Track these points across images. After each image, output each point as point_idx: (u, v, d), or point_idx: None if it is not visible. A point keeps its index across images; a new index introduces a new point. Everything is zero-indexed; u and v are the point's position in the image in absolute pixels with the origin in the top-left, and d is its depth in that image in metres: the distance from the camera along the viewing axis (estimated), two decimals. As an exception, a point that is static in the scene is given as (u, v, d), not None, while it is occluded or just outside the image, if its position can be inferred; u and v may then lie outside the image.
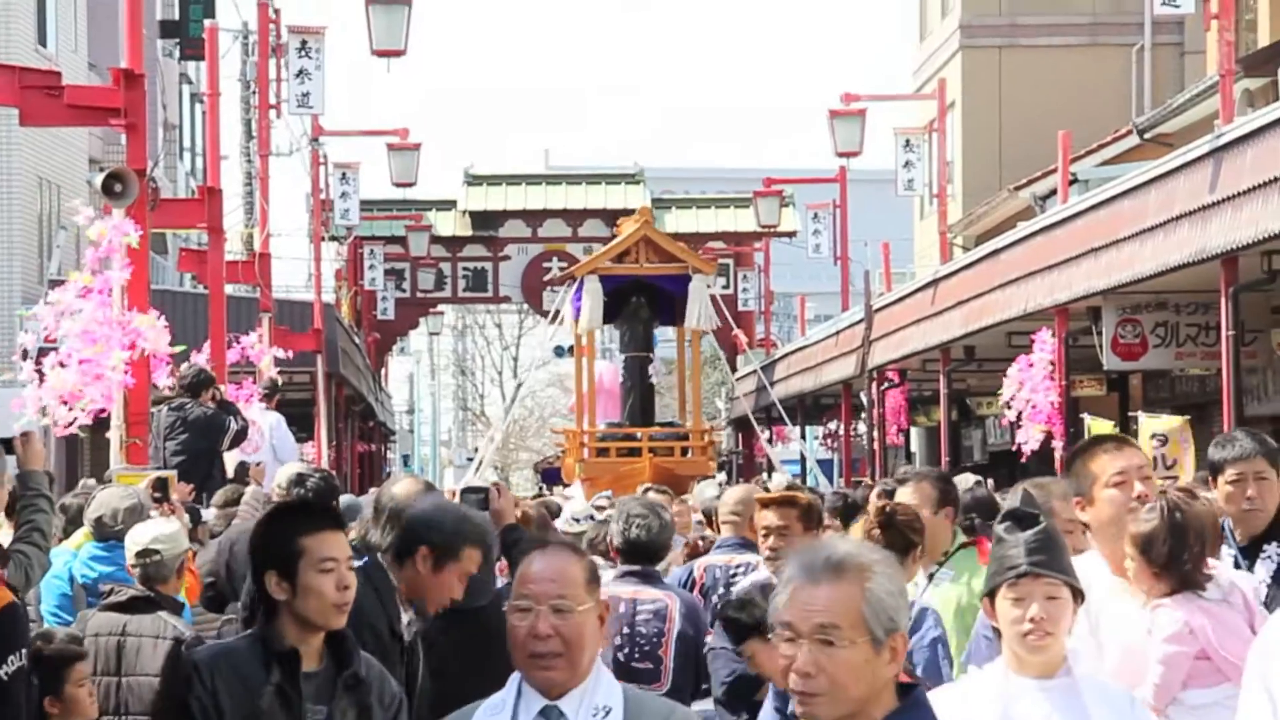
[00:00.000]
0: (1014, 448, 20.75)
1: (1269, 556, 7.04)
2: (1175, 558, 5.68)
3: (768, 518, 8.01)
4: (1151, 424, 17.72)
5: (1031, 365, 19.86)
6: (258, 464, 15.26)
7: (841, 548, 3.89)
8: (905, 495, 8.03)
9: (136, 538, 8.37)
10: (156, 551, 8.23)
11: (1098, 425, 18.29)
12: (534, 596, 4.33)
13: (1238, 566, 6.97)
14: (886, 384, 29.81)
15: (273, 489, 11.23)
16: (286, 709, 5.16)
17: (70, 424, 12.66)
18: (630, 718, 4.24)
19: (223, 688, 5.15)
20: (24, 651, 5.72)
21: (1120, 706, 4.74)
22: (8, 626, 5.74)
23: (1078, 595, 4.77)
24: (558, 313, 28.90)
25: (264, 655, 5.25)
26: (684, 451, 27.02)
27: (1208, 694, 5.64)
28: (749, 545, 9.06)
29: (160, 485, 10.20)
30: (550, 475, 31.07)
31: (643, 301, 28.01)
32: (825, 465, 34.26)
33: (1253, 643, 5.04)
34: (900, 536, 7.64)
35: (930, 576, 7.94)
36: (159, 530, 8.41)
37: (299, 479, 9.56)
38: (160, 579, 8.21)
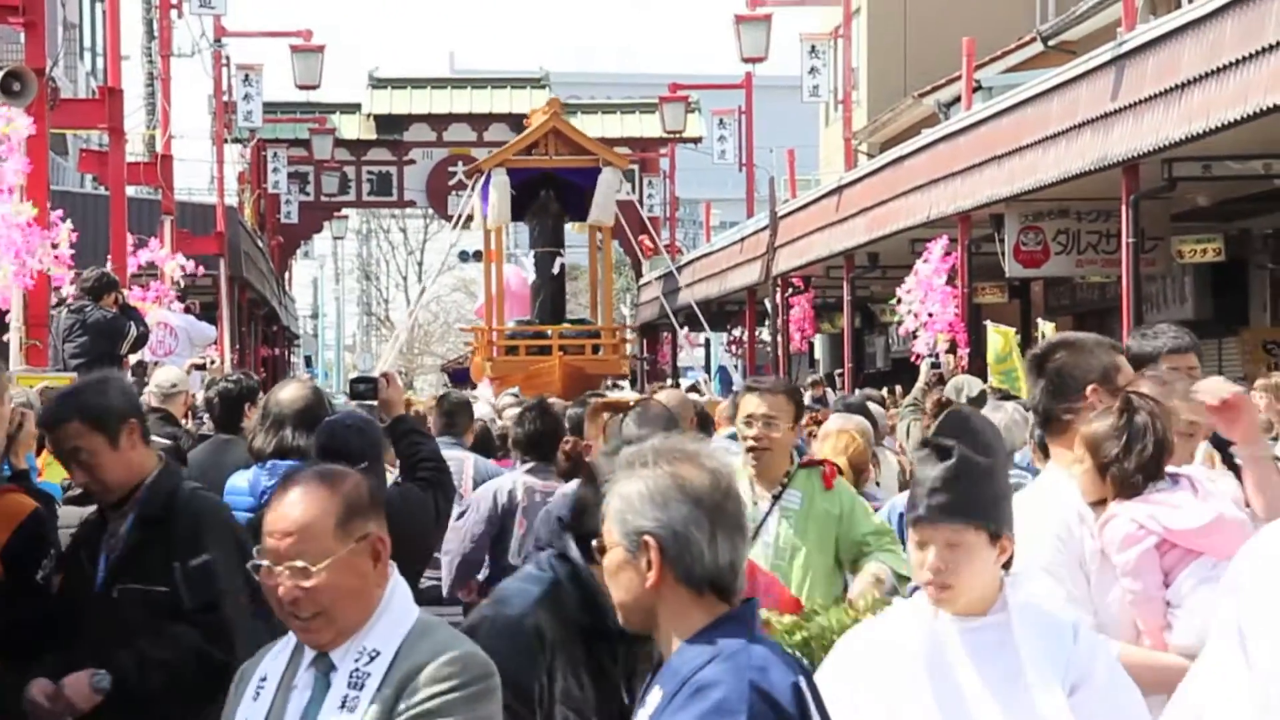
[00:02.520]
0: (913, 358, 20.91)
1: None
2: (1123, 459, 5.04)
3: (752, 403, 7.32)
4: (1053, 331, 17.89)
5: (919, 273, 20.00)
6: (156, 364, 15.20)
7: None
8: (754, 405, 7.30)
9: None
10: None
11: (999, 332, 18.45)
12: (271, 554, 3.77)
13: None
14: (791, 291, 29.91)
15: (149, 393, 11.24)
16: None
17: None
18: (399, 659, 3.73)
19: None
20: (54, 553, 5.82)
21: (1059, 638, 4.28)
22: (38, 529, 5.82)
23: (997, 535, 4.29)
24: (468, 217, 28.68)
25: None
26: (595, 350, 26.87)
27: (1191, 573, 4.96)
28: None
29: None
30: (458, 376, 30.97)
31: (551, 195, 27.61)
32: (723, 372, 34.36)
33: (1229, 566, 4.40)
34: None
35: (774, 499, 7.32)
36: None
37: (213, 384, 9.60)
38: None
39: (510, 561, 9.01)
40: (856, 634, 4.49)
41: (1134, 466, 5.01)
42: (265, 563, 3.74)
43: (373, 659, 3.73)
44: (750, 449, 7.32)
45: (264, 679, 3.87)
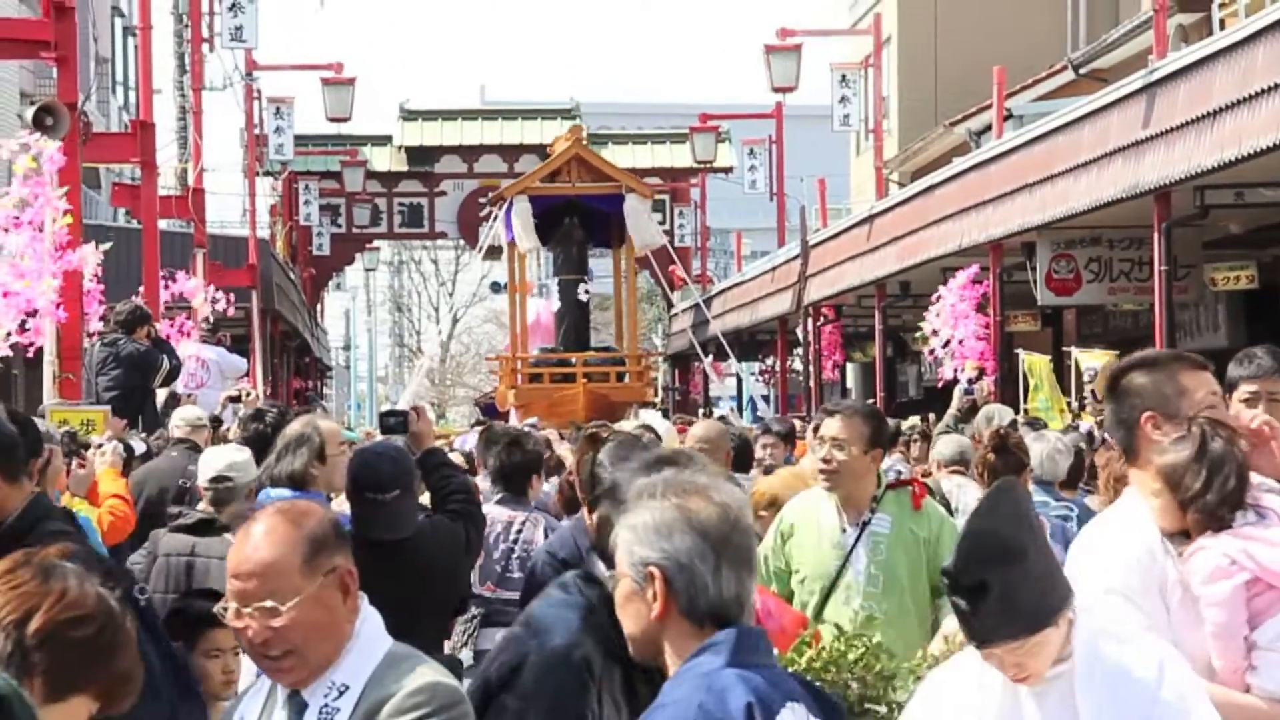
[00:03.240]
0: (938, 383, 20.86)
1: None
2: (1205, 493, 4.67)
3: (825, 426, 7.23)
4: (1086, 358, 17.85)
5: (944, 299, 19.98)
6: (189, 395, 15.27)
7: None
8: (833, 429, 7.18)
9: (211, 463, 8.45)
10: (229, 478, 8.30)
11: (1032, 360, 18.40)
12: (238, 596, 3.69)
13: None
14: (822, 320, 29.88)
15: (174, 427, 11.40)
16: None
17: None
18: (368, 691, 3.64)
19: None
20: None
21: (1137, 690, 3.98)
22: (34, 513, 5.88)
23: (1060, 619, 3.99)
24: (494, 247, 28.67)
25: None
26: (620, 377, 26.75)
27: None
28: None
29: (71, 437, 10.09)
30: (490, 410, 30.98)
31: (575, 222, 27.55)
32: (755, 403, 34.30)
33: None
34: (1013, 458, 8.87)
35: (863, 526, 7.21)
36: (232, 458, 8.48)
37: (258, 414, 9.71)
38: (229, 504, 8.27)
39: (475, 590, 9.21)
40: (944, 671, 4.31)
41: (1217, 499, 4.68)
42: (233, 605, 3.67)
43: (341, 693, 3.65)
44: (820, 471, 7.21)
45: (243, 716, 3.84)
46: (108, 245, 13.94)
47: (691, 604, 3.43)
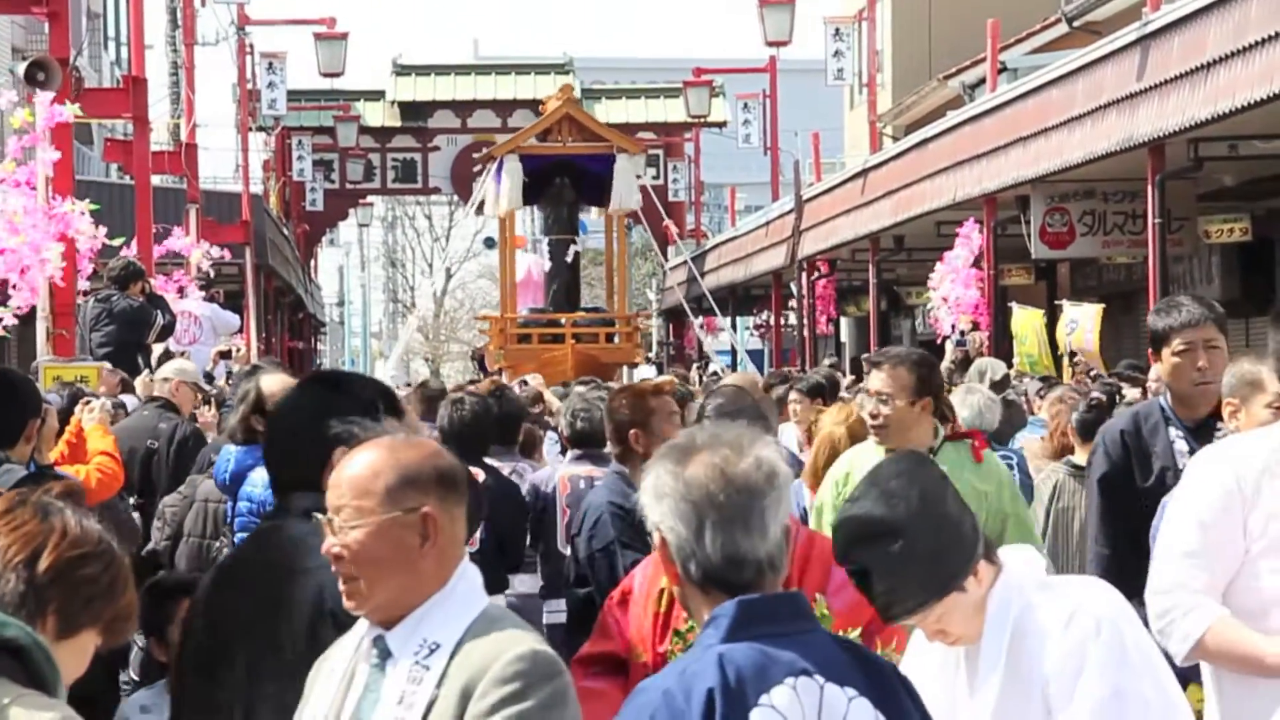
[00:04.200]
0: (938, 339, 20.88)
1: (1223, 435, 5.94)
2: None
3: (871, 380, 6.97)
4: (1071, 310, 17.86)
5: (950, 260, 19.99)
6: (182, 353, 15.25)
7: None
8: (877, 382, 6.92)
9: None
10: None
11: (1025, 314, 18.42)
12: (329, 506, 3.63)
13: (1192, 452, 6.00)
14: (816, 274, 29.89)
15: (157, 381, 11.39)
16: None
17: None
18: (460, 653, 3.48)
19: None
20: None
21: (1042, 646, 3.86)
22: None
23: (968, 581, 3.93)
24: (483, 203, 28.62)
25: None
26: (609, 338, 26.73)
27: None
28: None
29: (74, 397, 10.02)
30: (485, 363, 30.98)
31: (566, 183, 27.45)
32: (756, 355, 34.34)
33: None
34: None
35: None
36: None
37: (253, 371, 9.68)
38: None
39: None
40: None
41: None
42: (327, 515, 3.63)
43: (432, 652, 3.50)
44: (870, 427, 7.00)
45: (333, 665, 3.71)
46: (95, 206, 13.87)
47: (684, 568, 3.38)
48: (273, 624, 4.09)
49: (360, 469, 3.58)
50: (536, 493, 9.52)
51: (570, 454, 9.66)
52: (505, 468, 9.57)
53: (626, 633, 5.24)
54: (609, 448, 7.44)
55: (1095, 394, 10.79)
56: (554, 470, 9.71)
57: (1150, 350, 6.37)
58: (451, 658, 3.48)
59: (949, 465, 6.99)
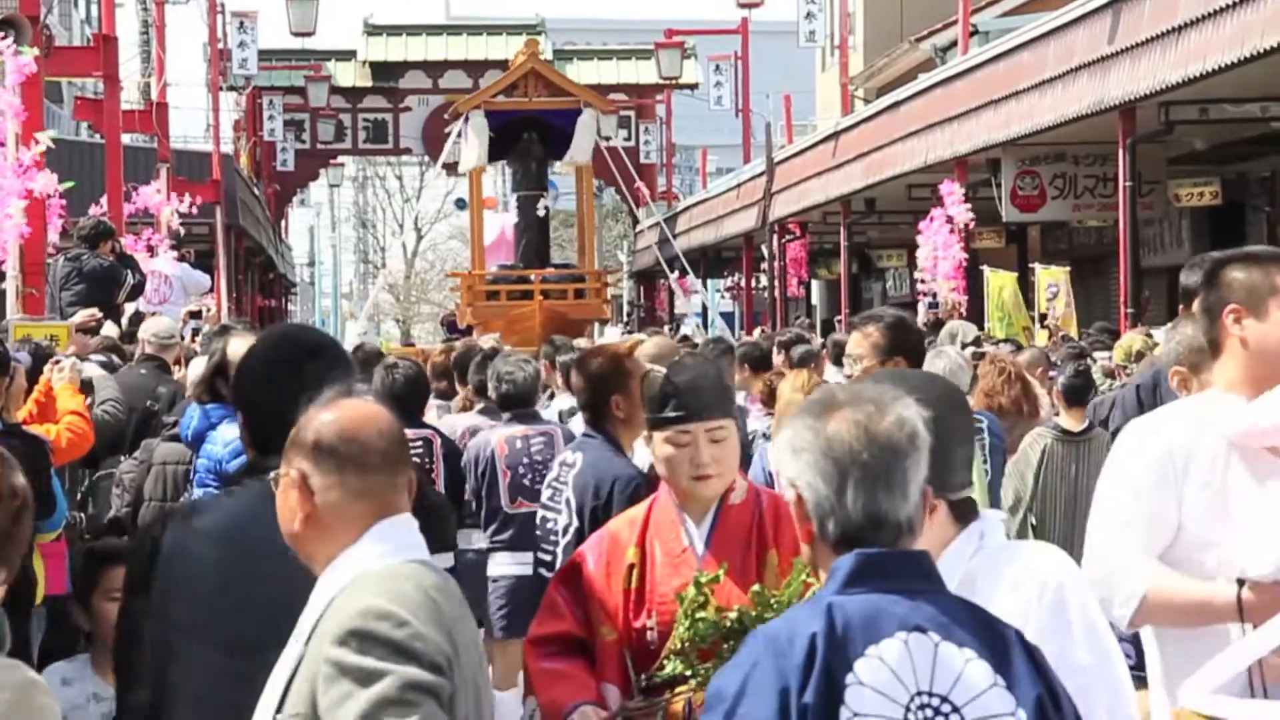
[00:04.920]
0: (917, 297, 20.90)
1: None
2: None
3: (849, 343, 6.79)
4: (1045, 275, 17.91)
5: (934, 221, 19.96)
6: (153, 313, 15.18)
7: None
8: (850, 344, 6.75)
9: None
10: None
11: (997, 277, 18.45)
12: None
13: None
14: (788, 236, 29.90)
15: (143, 341, 11.35)
16: None
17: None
18: (330, 609, 3.48)
19: None
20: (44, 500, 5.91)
21: None
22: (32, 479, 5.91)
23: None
24: (452, 164, 28.51)
25: None
26: (578, 294, 26.62)
27: None
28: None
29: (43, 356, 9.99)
30: (453, 326, 30.91)
31: (534, 138, 27.29)
32: (727, 317, 34.37)
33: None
34: None
35: None
36: None
37: (223, 330, 9.64)
38: None
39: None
40: None
41: None
42: None
43: (316, 602, 3.53)
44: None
45: None
46: (70, 184, 13.81)
47: (821, 526, 3.30)
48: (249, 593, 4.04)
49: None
50: (477, 456, 9.70)
51: (505, 416, 9.89)
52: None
53: (580, 612, 5.20)
54: (579, 413, 7.44)
55: (1082, 360, 10.79)
56: (489, 434, 9.88)
57: (1182, 305, 5.92)
58: (324, 611, 3.48)
59: None
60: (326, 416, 3.61)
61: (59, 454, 8.35)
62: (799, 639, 3.20)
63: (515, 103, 26.80)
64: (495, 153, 27.16)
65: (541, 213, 27.53)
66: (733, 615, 4.68)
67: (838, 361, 11.22)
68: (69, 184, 13.52)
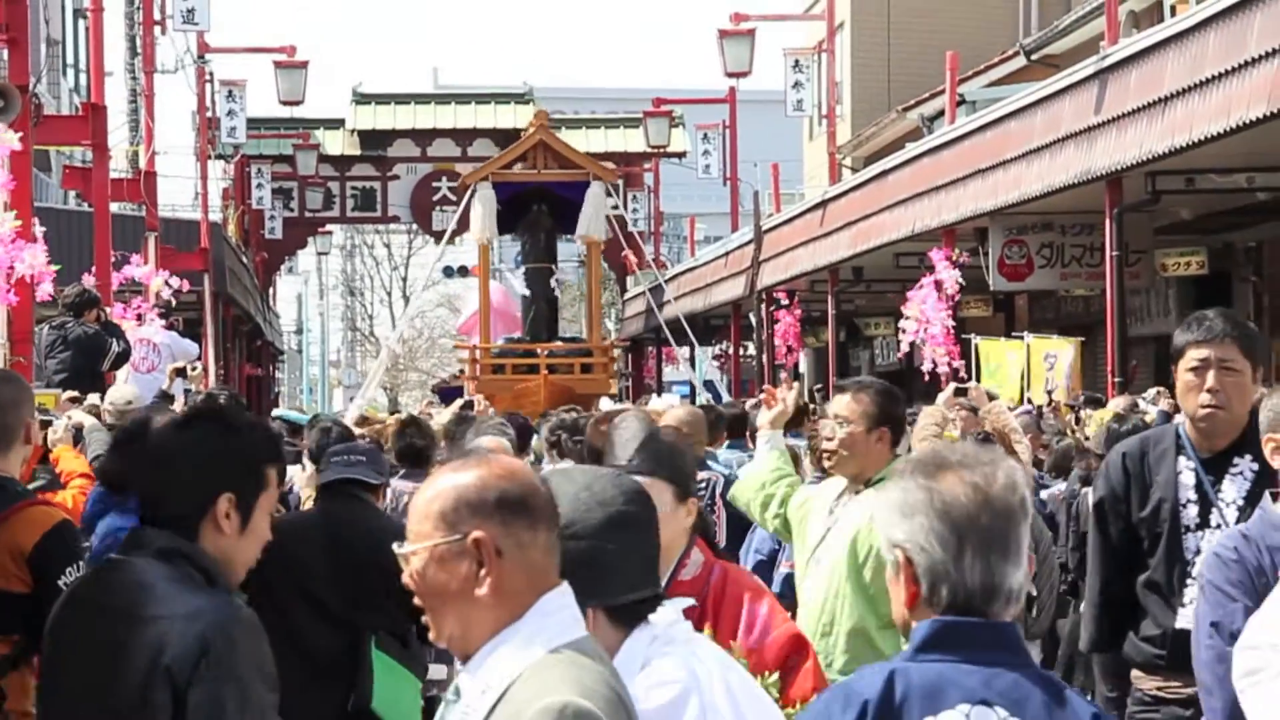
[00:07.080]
0: (900, 362, 20.86)
1: (1240, 472, 5.68)
2: None
3: (836, 405, 6.79)
4: (1042, 345, 17.92)
5: (923, 287, 19.97)
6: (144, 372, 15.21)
7: None
8: (837, 406, 6.78)
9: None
10: None
11: (986, 346, 18.47)
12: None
13: (1199, 486, 5.75)
14: (776, 305, 29.92)
15: (104, 409, 11.32)
16: None
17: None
18: (503, 703, 3.14)
19: None
20: (80, 564, 5.87)
21: None
22: (65, 540, 5.87)
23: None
24: (455, 231, 28.47)
25: None
26: (585, 369, 26.39)
27: None
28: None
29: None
30: (448, 395, 30.84)
31: (544, 209, 27.25)
32: (710, 385, 34.29)
33: None
34: None
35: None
36: None
37: (209, 399, 9.67)
38: None
39: None
40: None
41: None
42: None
43: (483, 693, 3.17)
44: (824, 450, 6.83)
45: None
46: (57, 268, 13.81)
47: (933, 591, 3.19)
48: (105, 673, 3.85)
49: (423, 492, 3.29)
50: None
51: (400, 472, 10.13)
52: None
53: None
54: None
55: (1118, 412, 10.81)
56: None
57: (1172, 366, 5.93)
58: (496, 704, 3.16)
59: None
60: (489, 472, 3.26)
61: (75, 516, 8.34)
62: (852, 706, 3.14)
63: (523, 175, 26.74)
64: (502, 224, 27.05)
65: (555, 289, 27.38)
66: None
67: None
68: (57, 266, 13.48)
